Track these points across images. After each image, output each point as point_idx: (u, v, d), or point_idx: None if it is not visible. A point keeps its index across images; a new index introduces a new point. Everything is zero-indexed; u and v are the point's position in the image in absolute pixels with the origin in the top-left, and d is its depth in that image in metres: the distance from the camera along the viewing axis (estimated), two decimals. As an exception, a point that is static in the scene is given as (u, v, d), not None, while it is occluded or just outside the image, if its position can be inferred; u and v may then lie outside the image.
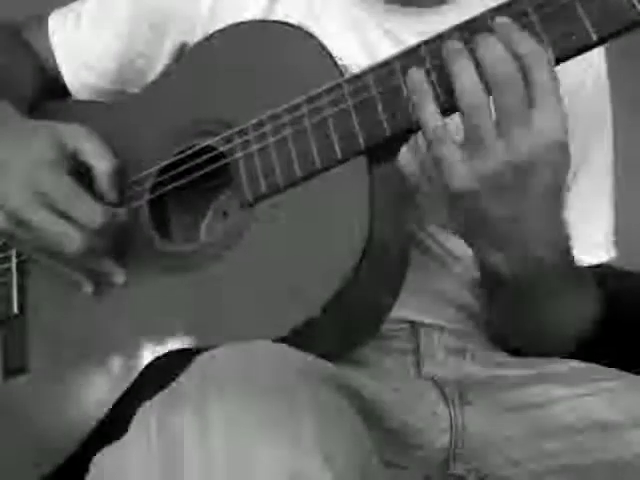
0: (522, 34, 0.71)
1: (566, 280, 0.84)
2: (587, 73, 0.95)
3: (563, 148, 0.71)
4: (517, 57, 0.70)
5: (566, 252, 0.81)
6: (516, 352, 0.96)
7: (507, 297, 0.86)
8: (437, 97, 0.74)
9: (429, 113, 0.73)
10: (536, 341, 0.94)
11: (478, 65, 0.71)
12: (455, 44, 0.73)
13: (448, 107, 0.74)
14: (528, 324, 0.90)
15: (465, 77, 0.71)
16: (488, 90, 0.71)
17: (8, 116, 0.92)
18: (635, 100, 1.49)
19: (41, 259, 0.89)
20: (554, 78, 0.70)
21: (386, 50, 0.83)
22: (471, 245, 0.80)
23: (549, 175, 0.72)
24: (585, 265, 0.95)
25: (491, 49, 0.71)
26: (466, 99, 0.71)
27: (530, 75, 0.70)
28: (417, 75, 0.74)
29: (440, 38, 0.76)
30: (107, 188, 0.87)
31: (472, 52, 0.72)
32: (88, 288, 0.88)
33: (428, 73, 0.74)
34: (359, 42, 0.93)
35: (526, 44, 0.70)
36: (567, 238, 0.80)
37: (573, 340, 0.94)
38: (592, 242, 0.97)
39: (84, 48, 1.02)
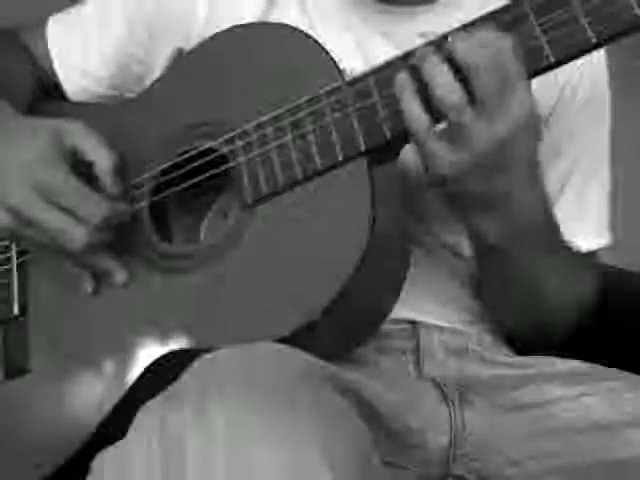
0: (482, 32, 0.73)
1: (551, 246, 0.86)
2: (585, 66, 0.95)
3: (535, 117, 0.74)
4: (485, 46, 0.72)
5: (549, 211, 0.84)
6: (523, 344, 0.97)
7: (496, 266, 0.87)
8: (422, 100, 0.75)
9: (416, 111, 0.75)
10: (531, 319, 0.94)
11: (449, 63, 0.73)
12: (422, 50, 0.75)
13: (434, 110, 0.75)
14: (520, 296, 0.91)
15: (438, 76, 0.73)
16: (463, 82, 0.72)
17: (7, 115, 0.92)
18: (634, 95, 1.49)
19: (45, 255, 0.89)
20: (519, 62, 0.72)
21: (381, 50, 0.84)
22: (463, 218, 0.82)
23: (525, 146, 0.75)
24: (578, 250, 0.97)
25: (460, 43, 0.73)
26: (442, 98, 0.73)
27: (501, 61, 0.72)
28: (401, 75, 0.75)
29: (439, 39, 0.76)
30: (108, 183, 0.86)
31: (439, 52, 0.74)
32: (88, 287, 0.88)
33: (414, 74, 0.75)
34: (354, 43, 0.93)
35: (488, 37, 0.72)
36: (547, 200, 0.83)
37: (568, 323, 0.96)
38: (583, 228, 0.97)
39: (81, 54, 1.02)
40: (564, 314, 0.95)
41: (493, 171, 0.75)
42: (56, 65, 1.04)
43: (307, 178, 0.80)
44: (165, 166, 0.89)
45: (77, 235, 0.83)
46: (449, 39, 0.74)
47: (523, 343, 0.97)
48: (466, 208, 0.80)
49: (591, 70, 0.96)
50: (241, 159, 0.83)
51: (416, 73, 0.75)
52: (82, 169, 0.86)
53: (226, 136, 0.85)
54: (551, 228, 0.86)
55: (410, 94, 0.75)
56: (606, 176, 1.00)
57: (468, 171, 0.75)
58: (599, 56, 0.97)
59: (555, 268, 0.89)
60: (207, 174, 0.87)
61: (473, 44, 0.72)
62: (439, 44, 0.75)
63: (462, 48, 0.72)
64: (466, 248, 0.96)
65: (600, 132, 0.99)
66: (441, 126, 0.75)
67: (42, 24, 1.05)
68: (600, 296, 0.95)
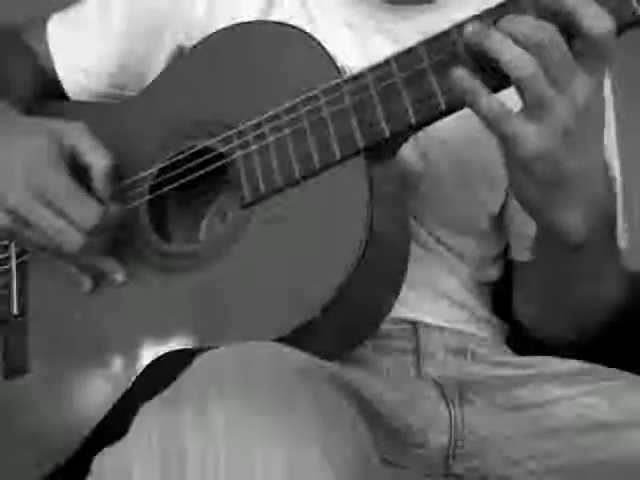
0: None
1: (612, 237, 0.84)
2: None
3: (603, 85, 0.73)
4: (555, 15, 0.69)
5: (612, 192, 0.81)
6: (536, 343, 0.96)
7: (570, 266, 0.84)
8: (484, 81, 0.72)
9: (485, 100, 0.71)
10: (574, 318, 0.93)
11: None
12: (477, 25, 0.71)
13: (496, 85, 0.72)
14: (577, 295, 0.89)
15: (507, 51, 0.69)
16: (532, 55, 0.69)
17: (8, 116, 0.92)
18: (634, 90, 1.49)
19: (44, 256, 0.89)
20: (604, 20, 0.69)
21: (381, 48, 0.84)
22: (543, 217, 0.78)
23: (600, 114, 0.73)
24: None
25: (521, 22, 0.70)
26: (517, 72, 0.69)
27: (578, 25, 0.69)
28: (459, 71, 0.72)
29: (438, 37, 0.76)
30: (104, 185, 0.87)
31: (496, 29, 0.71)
32: (86, 287, 0.88)
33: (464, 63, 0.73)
34: (354, 41, 0.93)
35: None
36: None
37: (599, 321, 0.94)
38: None
39: (81, 52, 1.03)
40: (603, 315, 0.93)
41: (577, 143, 0.71)
42: (57, 64, 1.04)
43: (305, 177, 0.80)
44: (163, 165, 0.89)
45: (72, 238, 0.83)
46: (500, 21, 0.71)
47: (552, 345, 0.96)
48: (556, 195, 0.74)
49: None
50: (239, 158, 0.83)
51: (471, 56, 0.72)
52: (81, 170, 0.86)
53: (224, 135, 0.85)
54: (614, 213, 0.83)
55: (474, 82, 0.71)
56: (618, 178, 0.99)
57: (555, 146, 0.71)
58: None
59: (613, 266, 0.87)
60: (202, 171, 0.87)
61: (540, 23, 0.69)
62: (489, 23, 0.71)
63: (526, 28, 0.69)
64: (466, 248, 0.96)
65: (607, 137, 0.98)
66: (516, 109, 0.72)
67: (43, 23, 1.06)
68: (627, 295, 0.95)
